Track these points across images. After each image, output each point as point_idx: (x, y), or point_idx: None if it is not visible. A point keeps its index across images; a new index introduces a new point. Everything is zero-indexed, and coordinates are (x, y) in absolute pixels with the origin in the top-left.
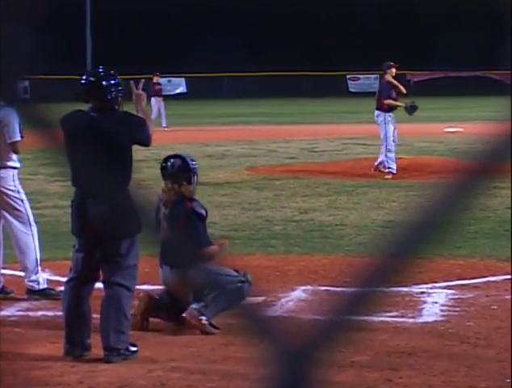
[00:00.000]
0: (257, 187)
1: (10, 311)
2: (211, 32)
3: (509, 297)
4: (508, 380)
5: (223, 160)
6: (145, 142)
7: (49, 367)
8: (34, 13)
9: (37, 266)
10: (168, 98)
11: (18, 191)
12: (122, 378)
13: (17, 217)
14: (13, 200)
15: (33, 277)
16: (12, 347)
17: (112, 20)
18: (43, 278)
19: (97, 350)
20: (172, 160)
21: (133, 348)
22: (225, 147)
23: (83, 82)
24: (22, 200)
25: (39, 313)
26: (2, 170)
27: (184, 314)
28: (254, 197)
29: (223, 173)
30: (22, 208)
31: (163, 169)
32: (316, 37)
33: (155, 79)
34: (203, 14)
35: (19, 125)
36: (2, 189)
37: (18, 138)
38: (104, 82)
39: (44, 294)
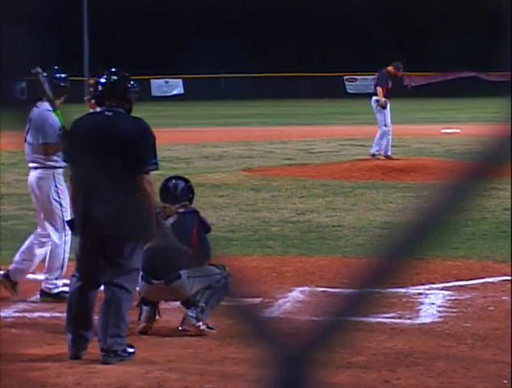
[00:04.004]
0: (254, 189)
1: (7, 312)
2: (209, 33)
3: (506, 298)
4: (505, 381)
5: (220, 161)
6: (145, 157)
7: (46, 368)
8: (31, 14)
9: (61, 271)
10: (165, 99)
11: (57, 193)
12: (119, 379)
13: (50, 220)
14: (49, 202)
15: (53, 281)
16: (9, 349)
17: (109, 21)
18: (62, 282)
19: (94, 351)
20: (174, 181)
21: (130, 350)
22: (222, 148)
23: (104, 81)
24: (59, 203)
25: (36, 314)
26: (40, 170)
27: (182, 325)
28: (251, 198)
29: (220, 174)
30: (58, 211)
31: (165, 191)
32: (314, 38)
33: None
34: (200, 15)
35: (58, 128)
36: (40, 190)
37: (49, 141)
38: (126, 83)
39: (59, 297)
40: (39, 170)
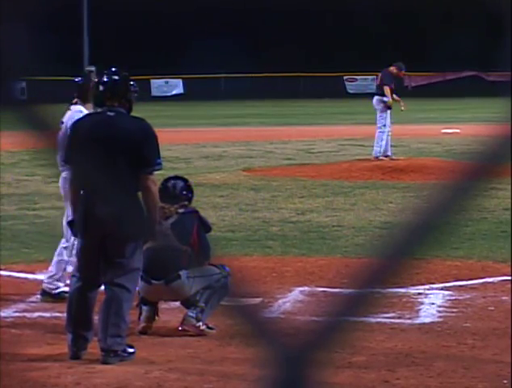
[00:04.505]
0: (254, 188)
1: (7, 312)
2: (209, 33)
3: (506, 298)
4: (505, 381)
5: (220, 161)
6: (150, 157)
7: (46, 368)
8: (31, 13)
9: (63, 273)
10: (165, 99)
11: None
12: (119, 379)
13: (64, 220)
14: (66, 203)
15: (55, 282)
16: (9, 349)
17: (109, 21)
18: (63, 283)
19: (94, 351)
20: (173, 181)
21: (130, 350)
22: (222, 148)
23: (105, 80)
24: None
25: (36, 314)
26: (67, 171)
27: (182, 325)
28: (251, 198)
29: (220, 174)
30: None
31: (164, 191)
32: (314, 38)
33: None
34: (200, 14)
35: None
36: (63, 190)
37: None
38: (127, 83)
39: (59, 297)
40: (65, 171)
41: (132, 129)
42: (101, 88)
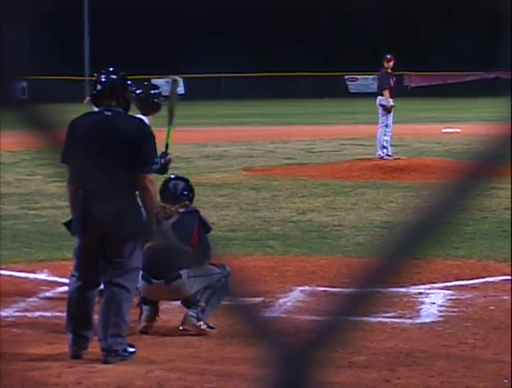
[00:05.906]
0: (255, 188)
1: (8, 312)
2: (210, 33)
3: (506, 297)
4: (506, 380)
5: (221, 161)
6: (147, 156)
7: (47, 367)
8: (32, 13)
9: None
10: (165, 98)
11: None
12: (120, 379)
13: None
14: None
15: None
16: (10, 348)
17: (110, 20)
18: None
19: (95, 351)
20: (174, 181)
21: (131, 349)
22: (223, 148)
23: (103, 80)
24: None
25: (37, 313)
26: None
27: (183, 325)
28: (252, 198)
29: (221, 173)
30: None
31: (165, 191)
32: (314, 38)
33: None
34: (201, 14)
35: None
36: None
37: None
38: (125, 82)
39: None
40: None
41: (130, 129)
42: (99, 87)
